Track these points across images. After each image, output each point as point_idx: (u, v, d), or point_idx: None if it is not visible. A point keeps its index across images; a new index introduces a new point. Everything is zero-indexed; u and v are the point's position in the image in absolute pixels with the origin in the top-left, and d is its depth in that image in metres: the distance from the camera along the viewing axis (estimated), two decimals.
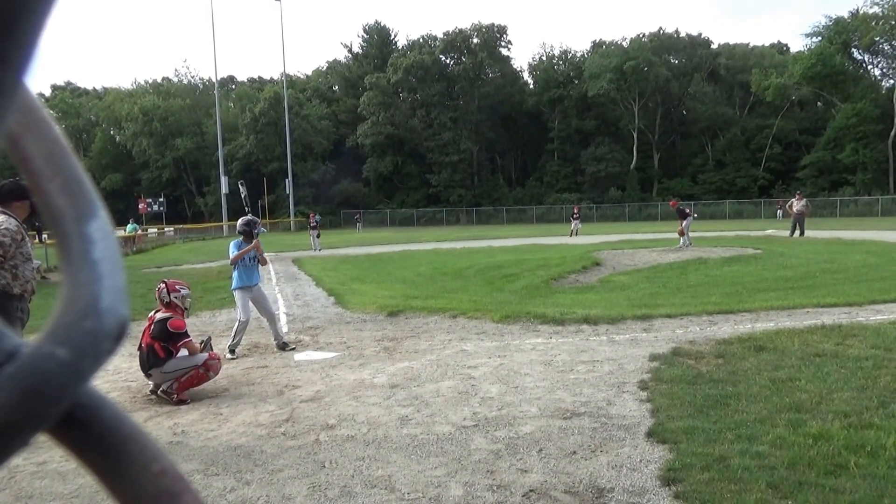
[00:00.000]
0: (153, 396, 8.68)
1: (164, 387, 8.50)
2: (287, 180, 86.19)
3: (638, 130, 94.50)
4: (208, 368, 8.62)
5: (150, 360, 8.48)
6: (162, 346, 8.54)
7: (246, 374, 9.82)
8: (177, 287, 8.89)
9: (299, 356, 10.91)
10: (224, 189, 76.72)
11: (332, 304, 16.63)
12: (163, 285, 8.89)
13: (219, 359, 8.91)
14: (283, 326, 13.97)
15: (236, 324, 11.35)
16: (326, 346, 11.72)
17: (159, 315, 8.69)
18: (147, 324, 8.85)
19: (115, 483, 0.42)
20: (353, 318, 14.46)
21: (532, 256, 26.76)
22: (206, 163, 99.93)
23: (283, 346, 11.52)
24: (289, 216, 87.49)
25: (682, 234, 29.64)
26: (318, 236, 39.62)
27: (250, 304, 11.52)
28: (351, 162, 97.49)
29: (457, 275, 21.98)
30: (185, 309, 8.92)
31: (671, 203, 33.54)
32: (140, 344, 8.76)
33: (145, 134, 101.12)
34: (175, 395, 8.45)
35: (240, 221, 11.74)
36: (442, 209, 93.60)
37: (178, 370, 8.48)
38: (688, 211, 30.74)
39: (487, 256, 28.37)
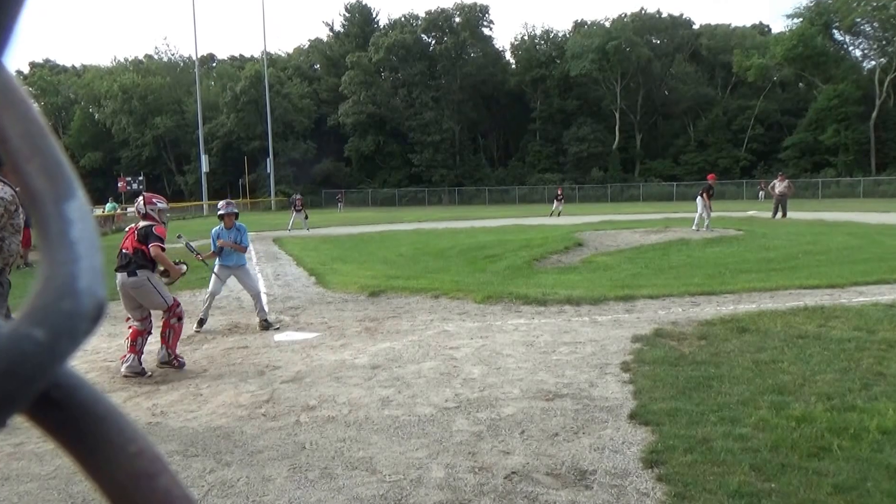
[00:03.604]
0: (131, 376, 8.62)
1: (160, 358, 9.07)
2: (268, 159, 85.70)
3: (620, 111, 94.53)
4: (179, 317, 9.14)
5: (136, 261, 8.80)
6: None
7: (226, 355, 9.76)
8: (153, 200, 9.20)
9: (279, 336, 10.86)
10: (204, 168, 76.15)
11: (312, 284, 16.58)
12: (141, 198, 9.24)
13: (179, 304, 9.29)
14: (264, 307, 13.94)
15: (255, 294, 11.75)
16: (307, 326, 11.67)
17: (142, 223, 9.05)
18: (128, 233, 9.16)
19: (91, 464, 0.42)
20: (335, 298, 14.44)
21: (514, 237, 26.75)
22: (186, 141, 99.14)
23: (265, 326, 11.52)
24: (269, 195, 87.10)
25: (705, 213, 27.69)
26: (306, 218, 39.26)
27: (228, 281, 11.69)
28: (332, 141, 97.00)
29: (439, 255, 21.95)
30: (163, 223, 9.24)
31: (710, 177, 30.26)
32: (121, 249, 9.02)
33: (125, 112, 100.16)
34: (175, 360, 9.07)
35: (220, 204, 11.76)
36: (424, 189, 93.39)
37: (153, 298, 8.90)
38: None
39: (470, 237, 28.34)
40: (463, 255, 21.67)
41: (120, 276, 8.86)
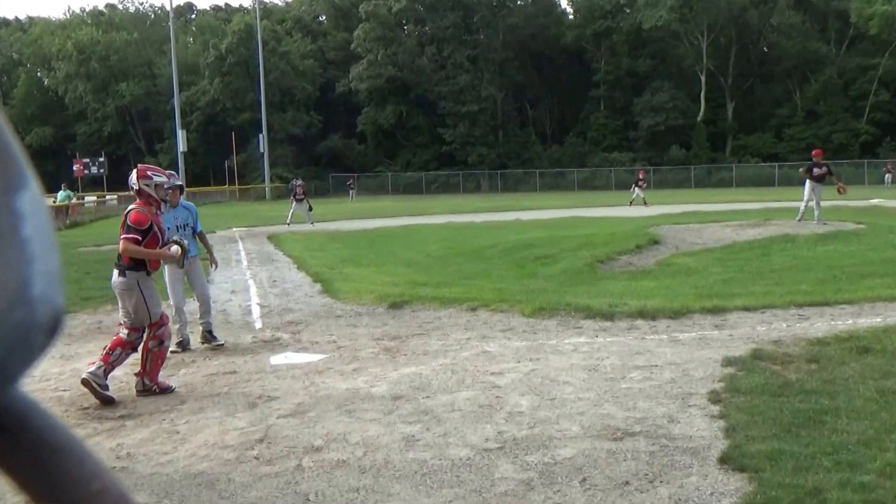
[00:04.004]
0: (90, 408, 8.70)
1: (137, 387, 9.28)
2: (261, 135, 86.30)
3: (706, 72, 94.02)
4: (160, 340, 9.38)
5: (118, 262, 9.33)
6: None
7: (209, 382, 9.83)
8: (147, 173, 9.58)
9: (277, 359, 10.92)
10: (181, 146, 76.59)
11: (317, 293, 16.70)
12: (133, 172, 9.62)
13: (165, 324, 9.52)
14: (256, 321, 14.02)
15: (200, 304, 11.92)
16: (311, 346, 11.73)
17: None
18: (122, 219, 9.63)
19: (47, 501, 0.41)
20: (345, 311, 14.52)
21: (572, 232, 26.71)
22: (158, 113, 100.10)
23: (208, 338, 11.82)
24: (263, 181, 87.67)
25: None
26: (309, 209, 39.42)
27: (181, 285, 11.71)
28: (342, 112, 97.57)
29: (477, 256, 22.02)
30: (163, 201, 9.74)
31: (816, 152, 29.49)
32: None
33: (81, 76, 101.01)
34: (156, 386, 9.28)
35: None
36: (458, 173, 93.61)
37: (138, 308, 9.17)
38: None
39: (516, 232, 28.36)
40: (507, 255, 21.72)
41: (113, 274, 9.34)
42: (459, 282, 16.93)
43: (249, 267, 21.77)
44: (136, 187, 9.50)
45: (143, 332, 9.30)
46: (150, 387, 9.27)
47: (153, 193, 9.50)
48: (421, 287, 16.17)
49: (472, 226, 33.27)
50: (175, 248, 9.52)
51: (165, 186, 10.82)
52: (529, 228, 30.13)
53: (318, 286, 17.50)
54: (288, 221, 38.61)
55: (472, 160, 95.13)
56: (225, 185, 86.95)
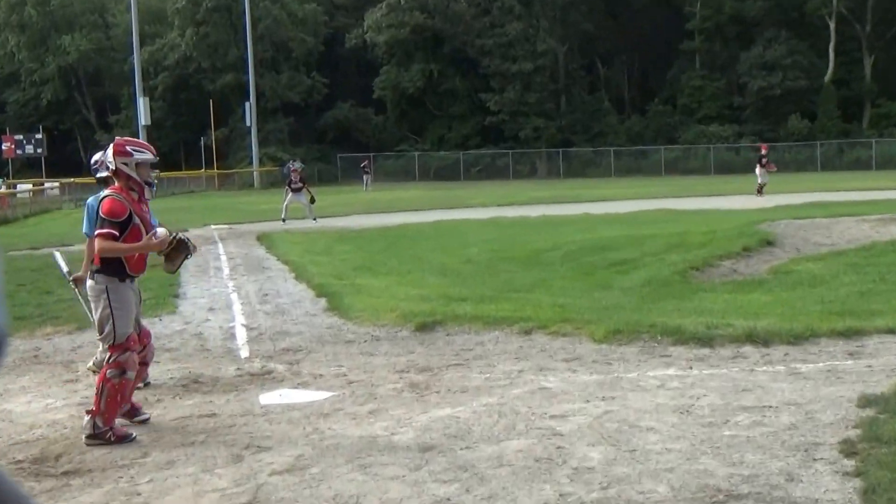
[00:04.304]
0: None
1: (86, 426, 9.25)
2: (247, 104, 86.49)
3: (837, 18, 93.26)
4: (122, 369, 9.33)
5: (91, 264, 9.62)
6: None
7: (182, 427, 9.86)
8: (127, 149, 9.60)
9: (269, 398, 10.95)
10: (143, 119, 76.94)
11: (322, 311, 16.79)
12: (109, 148, 9.71)
13: (136, 346, 9.60)
14: (242, 348, 14.08)
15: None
16: (313, 380, 11.77)
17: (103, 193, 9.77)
18: None
19: None
20: (358, 335, 14.61)
21: (658, 230, 26.66)
22: (113, 75, 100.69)
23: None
24: (250, 163, 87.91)
25: None
26: (311, 202, 39.57)
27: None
28: (354, 73, 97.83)
29: (532, 261, 22.09)
30: (148, 184, 9.72)
31: None
32: None
33: (12, 27, 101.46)
34: (111, 433, 9.23)
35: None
36: (506, 152, 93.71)
37: (103, 322, 9.36)
38: None
39: (584, 230, 28.39)
40: (572, 261, 21.75)
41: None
42: (509, 296, 16.94)
43: (233, 276, 21.86)
44: (112, 167, 9.53)
45: (150, 341, 9.61)
46: (103, 432, 9.17)
47: (134, 175, 9.49)
48: (458, 303, 16.19)
49: (525, 222, 33.25)
50: (162, 232, 9.51)
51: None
52: (601, 225, 30.07)
53: (322, 302, 17.56)
54: (283, 217, 38.71)
55: (525, 135, 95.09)
56: (201, 168, 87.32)
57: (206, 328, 15.70)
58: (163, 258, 9.77)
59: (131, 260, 9.41)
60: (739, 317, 13.97)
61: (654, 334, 13.12)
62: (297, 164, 43.14)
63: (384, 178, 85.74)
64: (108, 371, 9.22)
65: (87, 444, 9.18)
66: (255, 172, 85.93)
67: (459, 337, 13.95)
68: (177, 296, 18.64)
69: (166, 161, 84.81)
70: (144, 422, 9.74)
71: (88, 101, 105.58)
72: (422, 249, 25.46)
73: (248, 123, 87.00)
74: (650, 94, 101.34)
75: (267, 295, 18.95)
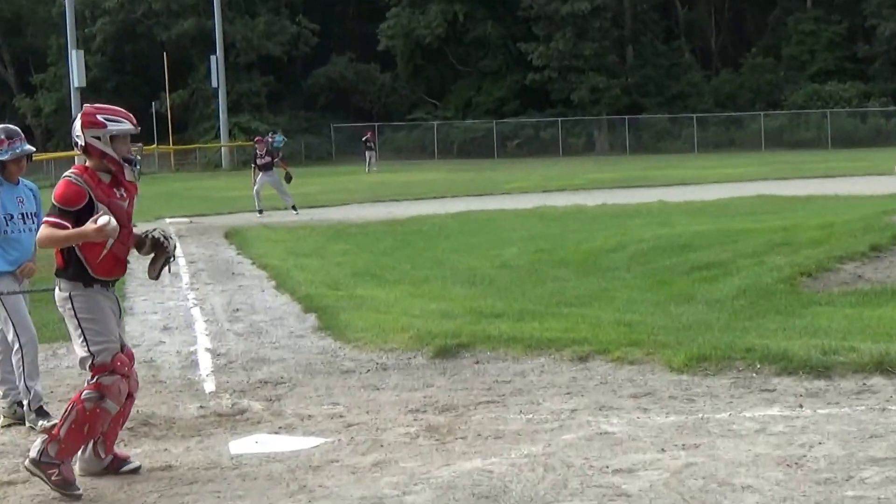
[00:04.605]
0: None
1: (34, 447, 9.26)
2: (213, 58, 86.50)
3: None
4: (101, 393, 9.25)
5: (61, 260, 9.53)
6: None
7: (127, 484, 9.84)
8: (98, 118, 9.55)
9: (242, 445, 10.95)
10: (76, 79, 76.93)
11: (311, 331, 16.87)
12: (77, 117, 9.73)
13: (127, 370, 9.58)
14: (206, 380, 14.09)
15: (14, 348, 11.78)
16: (300, 422, 11.76)
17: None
18: None
19: None
20: (359, 363, 14.64)
21: (758, 224, 26.60)
22: (37, 21, 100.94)
23: (15, 412, 11.96)
24: (217, 136, 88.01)
25: None
26: (287, 179, 39.66)
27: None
28: (353, 18, 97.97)
29: (589, 265, 22.14)
30: (129, 163, 9.62)
31: None
32: None
33: None
34: (57, 471, 9.15)
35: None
36: (554, 120, 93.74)
37: (74, 338, 9.47)
38: None
39: (657, 224, 28.43)
40: (642, 264, 21.81)
41: None
42: (558, 311, 16.96)
43: (194, 286, 21.90)
44: (80, 142, 9.54)
45: (114, 370, 9.31)
46: (49, 464, 9.12)
47: (110, 151, 9.48)
48: (491, 320, 16.21)
49: (579, 213, 33.25)
50: (104, 220, 9.14)
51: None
52: (681, 217, 30.05)
53: (311, 319, 17.64)
54: (258, 206, 38.81)
55: (578, 98, 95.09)
56: (152, 144, 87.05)
57: (160, 353, 15.75)
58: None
59: (93, 259, 9.27)
60: (866, 338, 13.91)
61: (751, 362, 13.08)
62: (278, 138, 43.30)
63: (393, 156, 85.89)
64: (84, 392, 9.20)
65: (25, 468, 9.29)
66: (223, 149, 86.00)
67: (493, 365, 13.95)
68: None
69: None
70: (135, 471, 9.77)
71: (5, 55, 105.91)
72: (443, 250, 25.46)
73: (213, 84, 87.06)
74: (745, 43, 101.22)
75: (238, 310, 18.98)
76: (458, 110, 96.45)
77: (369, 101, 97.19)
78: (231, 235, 30.21)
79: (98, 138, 9.33)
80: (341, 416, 11.88)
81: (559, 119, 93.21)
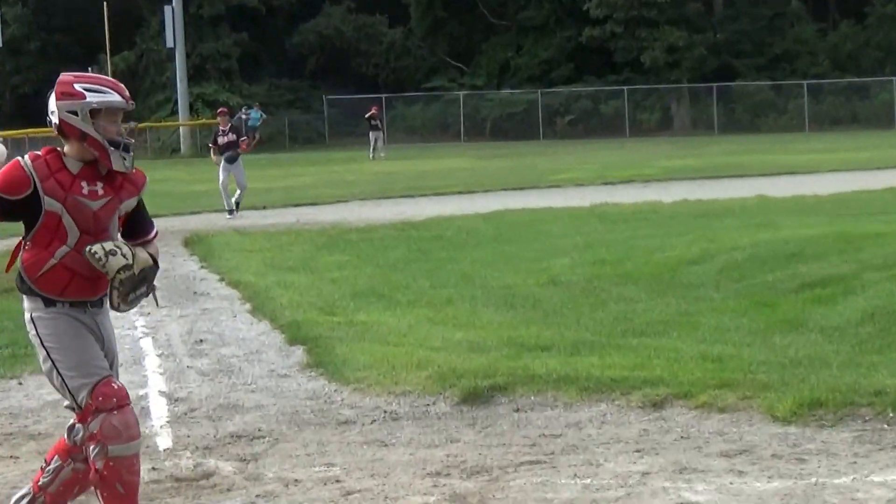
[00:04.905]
0: None
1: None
2: (167, 10, 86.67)
3: None
4: (102, 440, 9.12)
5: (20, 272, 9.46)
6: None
7: None
8: (76, 88, 9.37)
9: None
10: None
11: (298, 369, 16.84)
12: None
13: (116, 402, 9.28)
14: (160, 433, 14.10)
15: None
16: (284, 489, 11.78)
17: None
18: None
19: None
20: (362, 410, 14.60)
21: (889, 227, 26.53)
22: None
23: None
24: (174, 113, 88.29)
25: None
26: (231, 157, 39.83)
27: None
28: None
29: (664, 281, 22.20)
30: (115, 146, 9.26)
31: None
32: None
33: None
34: None
35: None
36: (619, 89, 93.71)
37: (47, 372, 9.39)
38: None
39: (756, 227, 28.41)
40: (736, 280, 21.83)
41: None
42: (624, 342, 16.94)
43: (144, 310, 21.89)
44: (54, 120, 9.39)
45: (100, 408, 9.09)
46: None
47: (91, 132, 9.20)
48: (535, 354, 16.20)
49: (652, 212, 33.31)
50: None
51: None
52: (787, 216, 30.10)
53: (297, 353, 17.63)
54: (227, 205, 38.97)
55: (650, 60, 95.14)
56: None
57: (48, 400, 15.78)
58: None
59: (33, 267, 9.08)
60: None
61: (881, 409, 13.05)
62: (254, 114, 43.35)
63: (406, 137, 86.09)
64: (91, 451, 9.07)
65: None
66: (181, 129, 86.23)
67: (537, 414, 13.93)
68: None
69: (29, 109, 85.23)
70: None
71: None
72: (472, 262, 25.46)
73: (168, 43, 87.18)
74: None
75: (202, 342, 18.98)
76: (492, 77, 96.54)
77: (374, 65, 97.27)
78: (192, 243, 30.21)
79: (75, 113, 9.08)
80: (338, 482, 11.86)
81: (625, 88, 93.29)
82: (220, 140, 39.32)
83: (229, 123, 39.73)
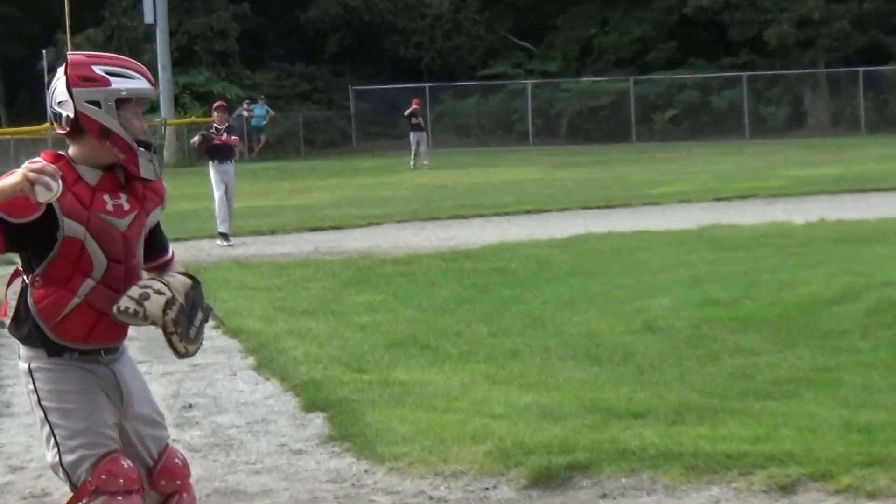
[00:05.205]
0: None
1: None
2: None
3: None
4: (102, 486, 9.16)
5: (17, 309, 9.46)
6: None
7: None
8: (94, 71, 9.30)
9: None
10: None
11: (316, 442, 16.95)
12: (60, 70, 9.60)
13: (124, 486, 9.19)
14: None
15: None
16: None
17: None
18: None
19: None
20: (400, 495, 14.65)
21: None
22: None
23: None
24: (155, 108, 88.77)
25: None
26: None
27: None
28: None
29: (796, 326, 22.29)
30: (146, 148, 9.29)
31: None
32: None
33: None
34: None
35: None
36: (737, 76, 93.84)
37: (41, 429, 9.39)
38: None
39: None
40: (889, 323, 21.92)
41: None
42: (744, 406, 17.03)
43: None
44: (67, 114, 9.20)
45: (100, 488, 9.00)
46: None
47: (117, 129, 9.12)
48: (627, 423, 16.28)
49: (779, 235, 33.47)
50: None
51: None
52: None
53: (317, 421, 17.74)
54: (221, 227, 39.20)
55: (776, 38, 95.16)
56: (44, 121, 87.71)
57: (58, 482, 15.91)
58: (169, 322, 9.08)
59: (50, 312, 8.89)
60: None
61: None
62: (259, 110, 43.50)
63: (457, 140, 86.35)
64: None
65: None
66: (163, 130, 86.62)
67: (630, 501, 14.02)
68: None
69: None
70: None
71: None
72: (544, 303, 25.55)
73: (147, 19, 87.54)
74: None
75: (193, 407, 19.07)
76: (570, 61, 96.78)
77: (415, 45, 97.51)
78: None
79: (97, 104, 8.90)
80: None
81: (744, 74, 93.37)
82: (212, 142, 38.93)
83: (226, 122, 39.60)
